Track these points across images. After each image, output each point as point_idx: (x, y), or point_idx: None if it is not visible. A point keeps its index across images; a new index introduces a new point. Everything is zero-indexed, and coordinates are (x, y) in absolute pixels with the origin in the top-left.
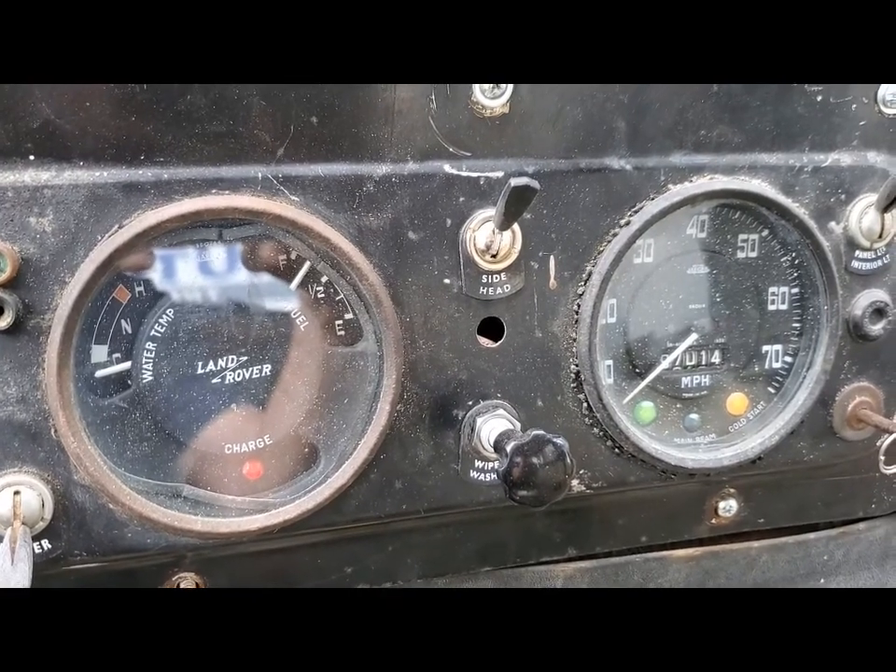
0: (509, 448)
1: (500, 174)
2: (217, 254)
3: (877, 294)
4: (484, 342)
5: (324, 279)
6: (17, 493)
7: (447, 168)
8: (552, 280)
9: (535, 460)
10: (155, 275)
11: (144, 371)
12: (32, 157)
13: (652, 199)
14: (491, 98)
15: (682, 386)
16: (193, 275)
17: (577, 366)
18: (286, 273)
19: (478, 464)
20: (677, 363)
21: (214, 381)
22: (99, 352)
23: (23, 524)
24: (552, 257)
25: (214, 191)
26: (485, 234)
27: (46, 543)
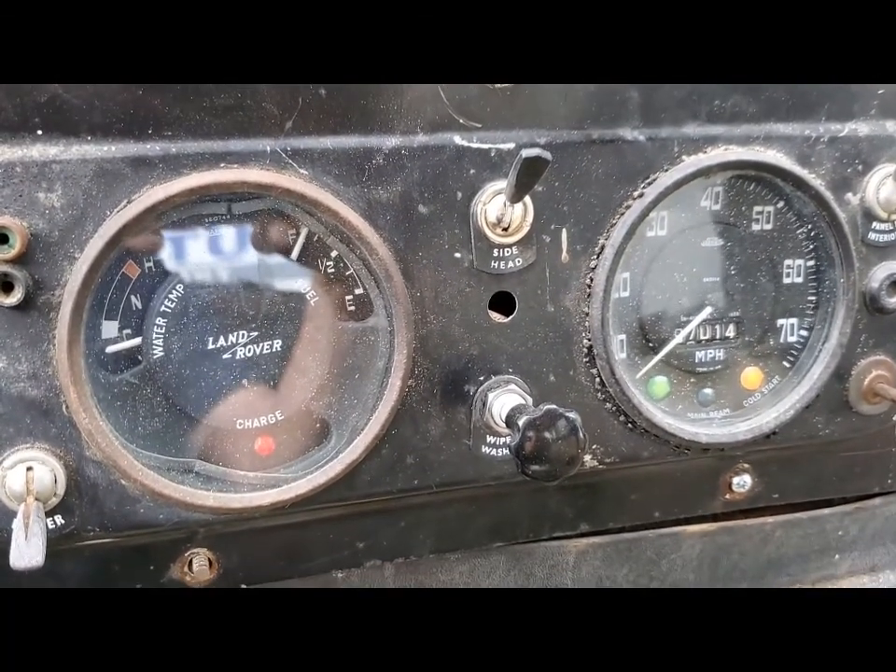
0: (521, 423)
1: (511, 145)
2: (227, 229)
3: (894, 266)
4: (496, 316)
5: (334, 254)
6: (30, 469)
7: (457, 140)
8: (564, 253)
9: (547, 435)
10: (164, 251)
11: (154, 347)
12: (39, 132)
13: (666, 170)
14: None
15: (696, 361)
16: (203, 250)
17: (589, 340)
18: (294, 247)
19: (490, 439)
20: (691, 337)
21: (224, 356)
22: (109, 328)
23: (36, 499)
24: (564, 230)
25: (222, 165)
26: (496, 207)
27: (59, 519)
